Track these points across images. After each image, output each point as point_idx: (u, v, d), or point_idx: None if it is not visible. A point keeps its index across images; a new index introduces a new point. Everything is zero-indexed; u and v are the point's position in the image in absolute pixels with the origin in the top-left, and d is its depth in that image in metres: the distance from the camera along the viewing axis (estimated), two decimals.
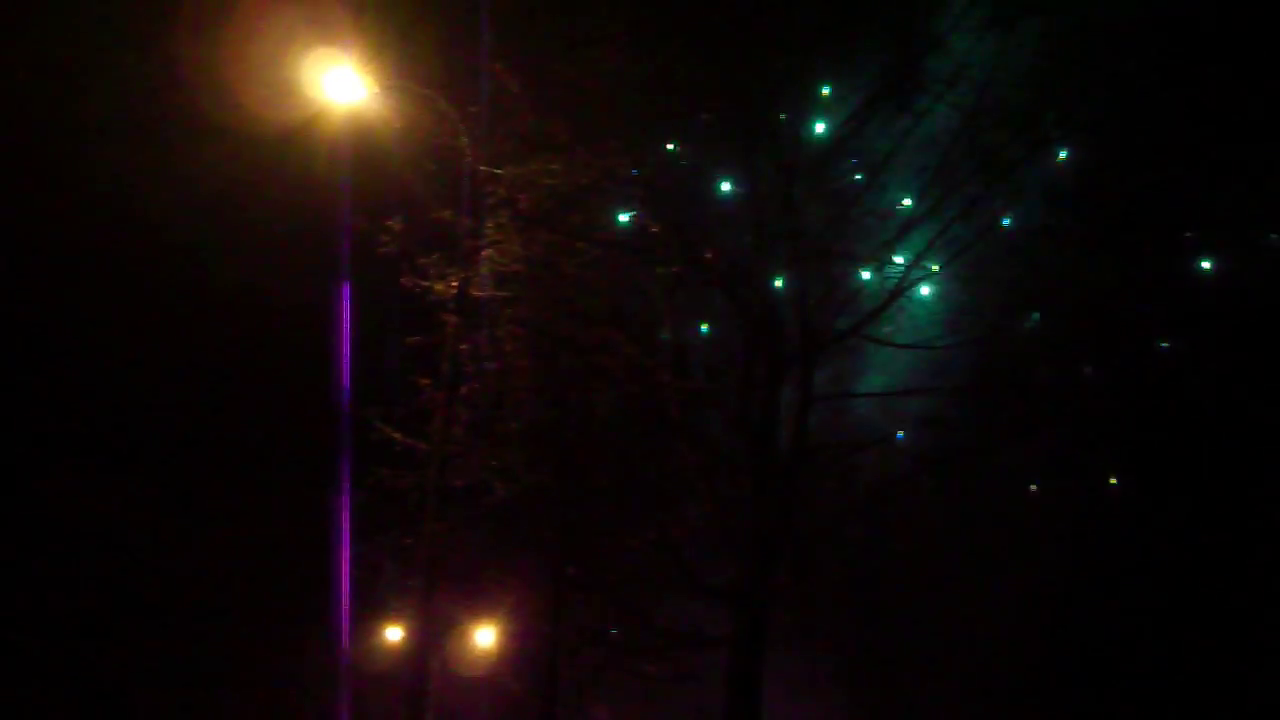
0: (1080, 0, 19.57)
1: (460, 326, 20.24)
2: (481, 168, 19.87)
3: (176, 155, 23.61)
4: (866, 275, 20.80)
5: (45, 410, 25.16)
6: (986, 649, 24.49)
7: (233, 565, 24.98)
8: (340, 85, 18.89)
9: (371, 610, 22.57)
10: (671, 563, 21.37)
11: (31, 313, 25.04)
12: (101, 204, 24.53)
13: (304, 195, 21.11)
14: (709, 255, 20.96)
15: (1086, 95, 19.62)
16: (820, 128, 20.43)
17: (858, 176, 20.52)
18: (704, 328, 22.22)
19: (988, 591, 24.16)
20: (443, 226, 20.18)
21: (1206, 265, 20.38)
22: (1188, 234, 20.37)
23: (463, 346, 20.34)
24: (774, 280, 20.65)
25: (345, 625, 20.92)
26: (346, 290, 20.44)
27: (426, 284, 20.13)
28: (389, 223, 20.00)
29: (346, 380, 20.58)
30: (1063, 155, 20.10)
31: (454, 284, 20.12)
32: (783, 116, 20.41)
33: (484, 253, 20.24)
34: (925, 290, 20.65)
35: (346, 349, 20.65)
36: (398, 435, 20.50)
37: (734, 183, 20.96)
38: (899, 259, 20.39)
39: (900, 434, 21.84)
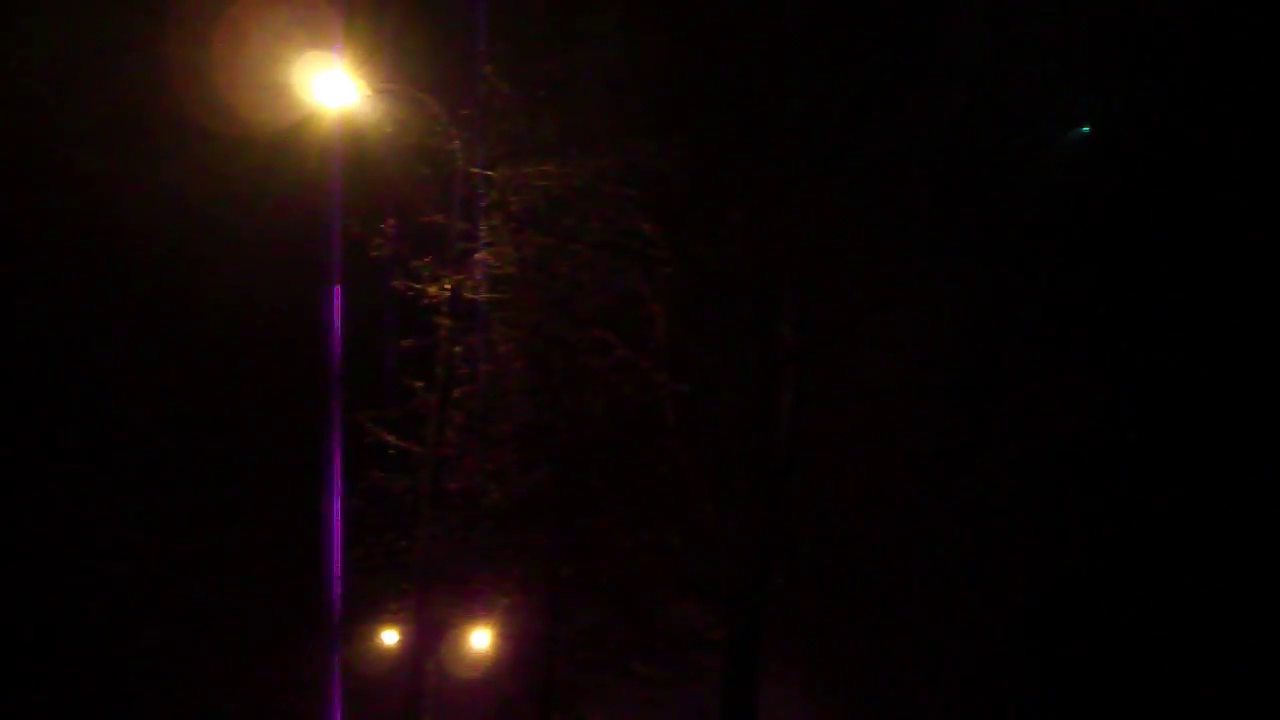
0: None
1: (454, 329, 20.23)
2: (473, 170, 19.83)
3: (168, 159, 23.59)
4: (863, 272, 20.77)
5: (38, 413, 25.13)
6: (985, 649, 24.47)
7: (226, 568, 24.97)
8: (331, 88, 18.88)
9: (367, 613, 22.56)
10: (667, 564, 21.32)
11: (23, 316, 25.00)
12: (92, 207, 24.51)
13: (295, 199, 21.11)
14: (702, 255, 20.90)
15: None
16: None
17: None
18: (698, 328, 22.16)
19: (986, 591, 24.15)
20: (435, 229, 20.15)
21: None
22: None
23: (456, 349, 20.34)
24: (768, 279, 20.59)
25: (337, 629, 20.93)
26: (338, 293, 20.43)
27: (419, 287, 20.11)
28: (382, 226, 19.96)
29: (338, 383, 20.58)
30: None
31: (447, 287, 20.10)
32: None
33: (477, 255, 20.23)
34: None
35: (338, 352, 20.65)
36: (392, 438, 20.48)
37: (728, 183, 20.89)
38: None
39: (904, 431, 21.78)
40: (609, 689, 24.30)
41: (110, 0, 23.56)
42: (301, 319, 21.65)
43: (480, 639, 25.89)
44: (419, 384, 20.48)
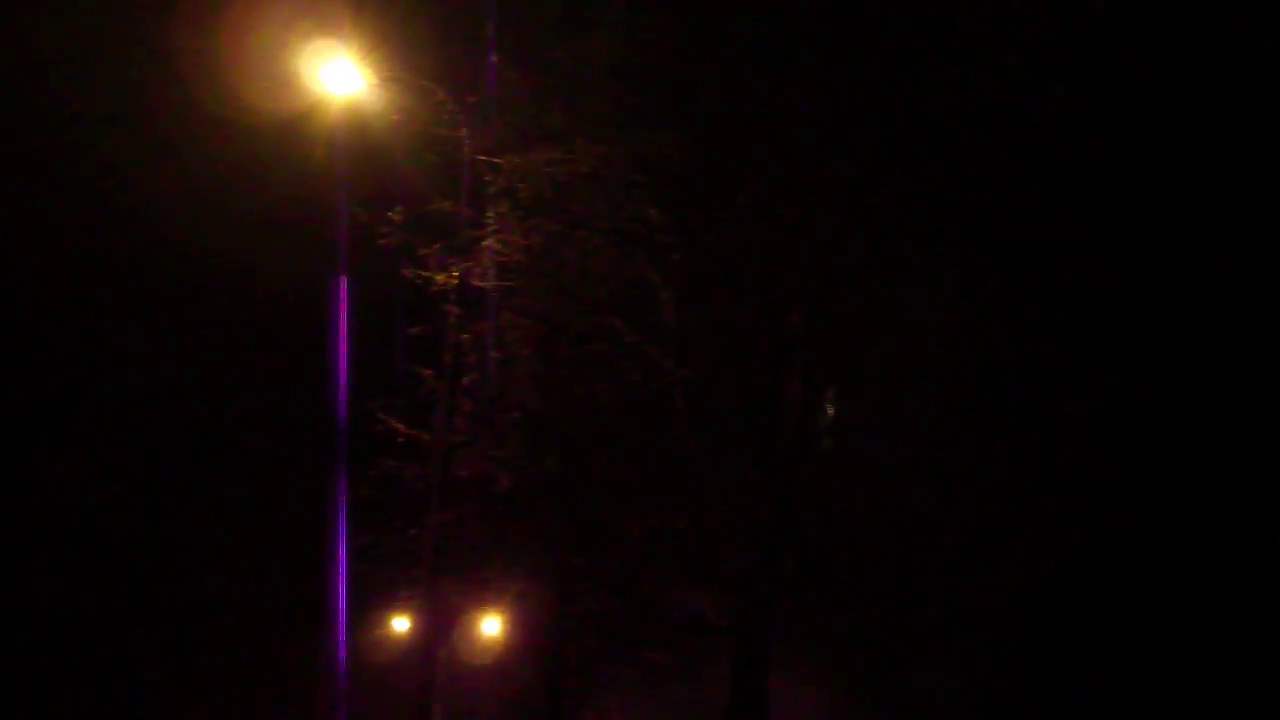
0: None
1: (462, 317, 20.22)
2: (481, 157, 19.80)
3: (174, 147, 23.58)
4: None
5: (43, 404, 25.16)
6: (994, 638, 24.42)
7: (233, 558, 25.02)
8: (338, 77, 18.86)
9: (378, 601, 22.60)
10: (676, 551, 21.31)
11: (29, 306, 25.02)
12: (99, 196, 24.50)
13: (302, 187, 21.08)
14: (710, 241, 20.85)
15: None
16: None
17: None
18: (707, 314, 22.11)
19: (996, 581, 24.09)
20: (443, 217, 20.13)
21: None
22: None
23: (465, 337, 20.34)
24: (777, 265, 20.55)
25: (342, 618, 20.96)
26: (345, 282, 20.43)
27: (427, 275, 20.10)
28: (389, 214, 19.93)
29: (345, 372, 20.59)
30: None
31: (455, 274, 20.10)
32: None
33: (485, 243, 20.20)
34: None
35: (345, 340, 20.66)
36: (401, 426, 20.48)
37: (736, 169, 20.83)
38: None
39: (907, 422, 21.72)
40: (618, 676, 24.35)
41: None
42: (309, 307, 21.64)
43: (490, 626, 25.97)
44: (428, 372, 20.48)
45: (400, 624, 24.24)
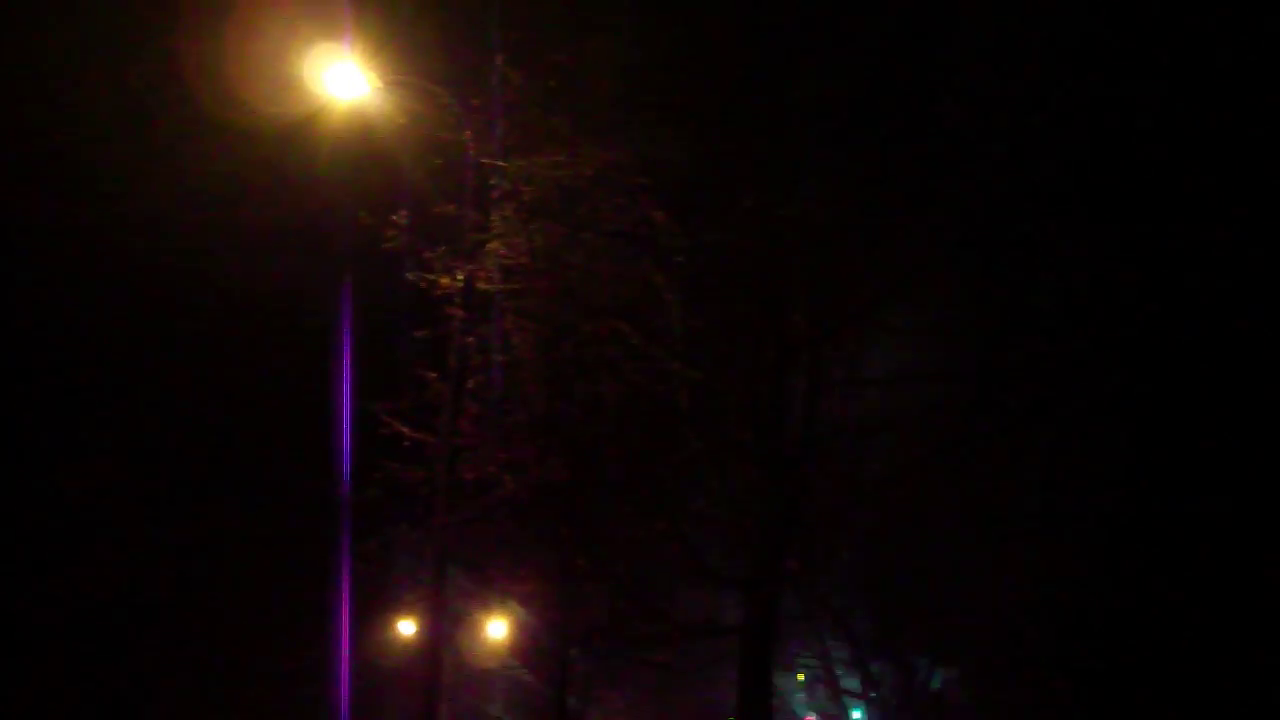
0: None
1: (467, 320, 20.23)
2: (485, 161, 19.82)
3: (179, 151, 23.60)
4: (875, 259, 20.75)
5: (47, 408, 25.18)
6: (997, 634, 24.47)
7: (237, 561, 25.03)
8: (343, 80, 18.85)
9: (383, 604, 22.61)
10: (682, 552, 21.35)
11: (33, 309, 25.05)
12: (104, 200, 24.53)
13: (307, 191, 21.10)
14: (714, 243, 20.88)
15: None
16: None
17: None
18: (711, 316, 22.14)
19: (998, 578, 24.13)
20: (448, 220, 20.15)
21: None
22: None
23: (469, 339, 20.34)
24: (780, 267, 20.58)
25: (347, 621, 20.97)
26: (349, 285, 20.44)
27: (432, 278, 20.10)
28: (394, 217, 19.96)
29: (349, 375, 20.60)
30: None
31: (460, 277, 20.10)
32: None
33: (489, 246, 20.21)
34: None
35: (350, 343, 20.67)
36: (406, 429, 20.49)
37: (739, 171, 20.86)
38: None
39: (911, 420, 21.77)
40: (624, 676, 24.40)
41: None
42: (314, 310, 21.67)
43: (497, 628, 25.99)
44: (433, 375, 20.48)
45: (406, 626, 24.23)
